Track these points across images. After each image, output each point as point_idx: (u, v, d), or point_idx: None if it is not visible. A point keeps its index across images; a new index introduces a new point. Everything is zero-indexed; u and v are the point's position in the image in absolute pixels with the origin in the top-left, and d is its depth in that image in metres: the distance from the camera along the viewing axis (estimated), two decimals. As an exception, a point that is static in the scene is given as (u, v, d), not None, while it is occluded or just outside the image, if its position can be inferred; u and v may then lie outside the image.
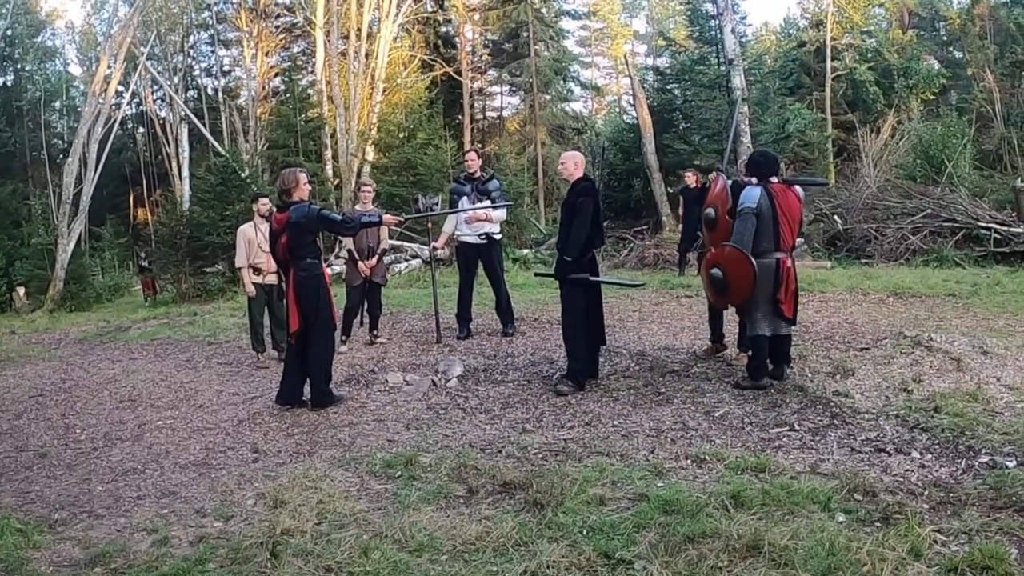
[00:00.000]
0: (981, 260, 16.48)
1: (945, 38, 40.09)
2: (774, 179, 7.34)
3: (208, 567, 4.29)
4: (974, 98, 30.51)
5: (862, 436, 5.89)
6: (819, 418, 6.39)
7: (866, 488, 4.80)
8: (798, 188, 7.53)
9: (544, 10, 37.37)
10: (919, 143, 23.58)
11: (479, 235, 10.30)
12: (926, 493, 4.73)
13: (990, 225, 17.12)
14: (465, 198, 10.35)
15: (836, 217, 20.19)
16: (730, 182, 7.97)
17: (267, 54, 39.12)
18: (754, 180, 7.42)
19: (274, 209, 8.09)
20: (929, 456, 5.40)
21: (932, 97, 34.84)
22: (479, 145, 33.93)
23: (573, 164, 7.81)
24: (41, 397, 9.30)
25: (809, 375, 7.60)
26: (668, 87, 29.03)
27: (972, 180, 21.19)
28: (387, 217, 8.70)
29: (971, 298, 11.68)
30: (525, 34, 36.34)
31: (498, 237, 10.60)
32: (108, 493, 5.70)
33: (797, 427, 6.21)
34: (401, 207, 24.20)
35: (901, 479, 4.99)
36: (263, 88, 38.99)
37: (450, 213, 10.51)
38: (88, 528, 5.01)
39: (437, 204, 10.92)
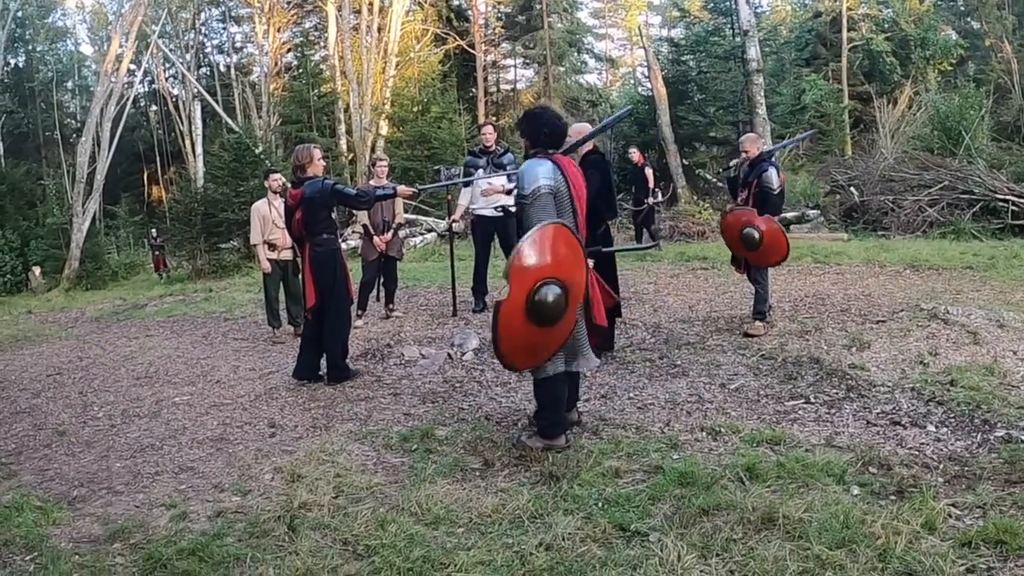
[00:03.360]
0: (999, 233, 16.37)
1: (963, 8, 39.68)
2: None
3: (226, 541, 4.32)
4: (992, 69, 30.27)
5: (878, 409, 5.88)
6: (835, 391, 6.38)
7: (881, 461, 4.80)
8: None
9: (557, -19, 37.20)
10: (936, 114, 23.38)
11: (495, 208, 10.28)
12: (941, 467, 4.73)
13: (1008, 197, 16.98)
14: (480, 171, 10.32)
15: (853, 189, 20.08)
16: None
17: (279, 30, 39.08)
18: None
19: (288, 185, 8.08)
20: (944, 429, 5.39)
21: (949, 68, 34.53)
22: (493, 118, 33.82)
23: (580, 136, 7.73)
24: (59, 375, 9.34)
25: (825, 347, 7.58)
26: (683, 58, 28.84)
27: (990, 152, 21.01)
28: (401, 189, 8.59)
29: (988, 271, 11.62)
30: (538, 6, 36.18)
31: (514, 210, 10.56)
32: (126, 469, 5.73)
33: (813, 400, 6.20)
34: (416, 181, 24.23)
35: (916, 452, 4.99)
36: (275, 64, 38.98)
37: (465, 183, 10.45)
38: (107, 504, 5.04)
39: (459, 174, 10.84)
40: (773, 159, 8.82)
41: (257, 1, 37.56)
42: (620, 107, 33.74)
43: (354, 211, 11.21)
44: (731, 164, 9.39)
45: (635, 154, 17.28)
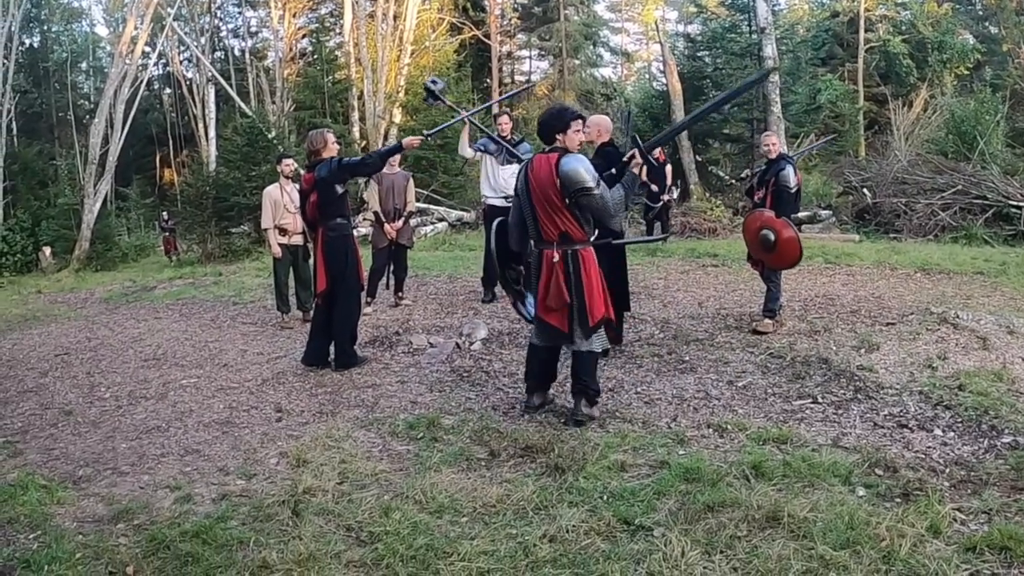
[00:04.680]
0: (1011, 239, 16.33)
1: (981, 13, 39.45)
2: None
3: (230, 524, 4.34)
4: (1008, 75, 30.09)
5: (885, 411, 5.87)
6: (843, 392, 6.36)
7: (887, 463, 4.79)
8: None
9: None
10: (951, 118, 23.32)
11: (506, 198, 10.25)
12: (947, 471, 4.72)
13: (1021, 204, 16.93)
14: (492, 158, 10.28)
15: (866, 190, 20.02)
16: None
17: (295, 15, 39.02)
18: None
19: (302, 171, 8.08)
20: (951, 434, 5.38)
21: (966, 72, 34.39)
22: (508, 109, 33.75)
23: (596, 131, 7.70)
24: (67, 355, 9.38)
25: (834, 348, 7.57)
26: (699, 54, 28.72)
27: (1004, 158, 20.94)
28: (407, 141, 8.08)
29: (999, 277, 11.56)
30: (555, -3, 36.11)
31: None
32: (132, 450, 5.75)
33: (820, 400, 6.19)
34: (428, 170, 24.20)
35: (923, 456, 4.98)
36: (290, 49, 38.94)
37: (470, 116, 10.28)
38: (112, 485, 5.06)
39: (438, 84, 10.32)
40: (791, 158, 8.83)
41: (273, -14, 37.54)
42: (633, 102, 33.69)
43: (365, 200, 11.14)
44: (744, 175, 9.35)
45: (656, 149, 17.08)
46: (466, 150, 10.56)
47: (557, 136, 5.81)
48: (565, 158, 5.72)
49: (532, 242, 6.02)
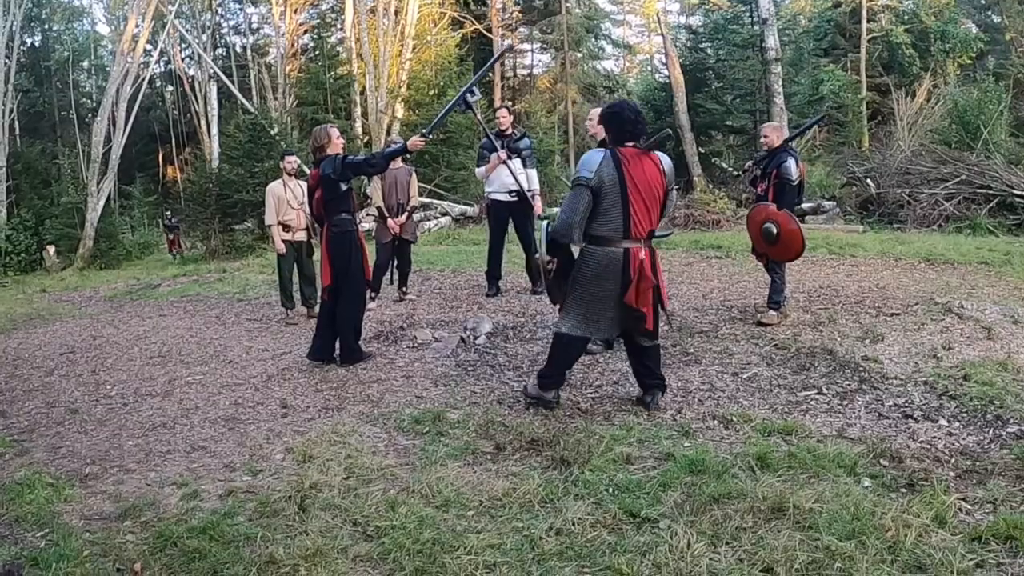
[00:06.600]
0: (1015, 228, 16.29)
1: (983, 1, 39.25)
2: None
3: (237, 520, 4.35)
4: (1012, 64, 29.96)
5: (890, 402, 5.87)
6: (847, 382, 6.36)
7: (892, 454, 4.80)
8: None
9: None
10: (955, 108, 23.22)
11: (510, 193, 10.23)
12: (952, 461, 4.72)
13: (1025, 193, 16.90)
14: (494, 155, 10.27)
15: (869, 181, 19.98)
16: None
17: (296, 11, 38.92)
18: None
19: (305, 168, 8.09)
20: (956, 424, 5.38)
21: (969, 62, 34.22)
22: (509, 103, 33.70)
23: (598, 123, 7.69)
24: (72, 354, 9.38)
25: (838, 339, 7.56)
26: (701, 46, 28.69)
27: (1008, 147, 20.85)
28: (411, 142, 7.77)
29: (1003, 267, 11.53)
30: (556, -10, 36.03)
31: (529, 195, 10.51)
32: (138, 448, 5.76)
33: (825, 391, 6.19)
34: (431, 164, 24.15)
35: (928, 446, 4.98)
36: (292, 45, 38.85)
37: (495, 142, 10.25)
38: (118, 482, 5.07)
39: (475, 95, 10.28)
40: (793, 150, 8.79)
41: (274, -18, 37.49)
42: (636, 95, 33.66)
43: (368, 195, 11.15)
44: (747, 167, 9.29)
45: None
46: (480, 172, 10.58)
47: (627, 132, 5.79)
48: (663, 156, 5.85)
49: (612, 239, 5.67)
